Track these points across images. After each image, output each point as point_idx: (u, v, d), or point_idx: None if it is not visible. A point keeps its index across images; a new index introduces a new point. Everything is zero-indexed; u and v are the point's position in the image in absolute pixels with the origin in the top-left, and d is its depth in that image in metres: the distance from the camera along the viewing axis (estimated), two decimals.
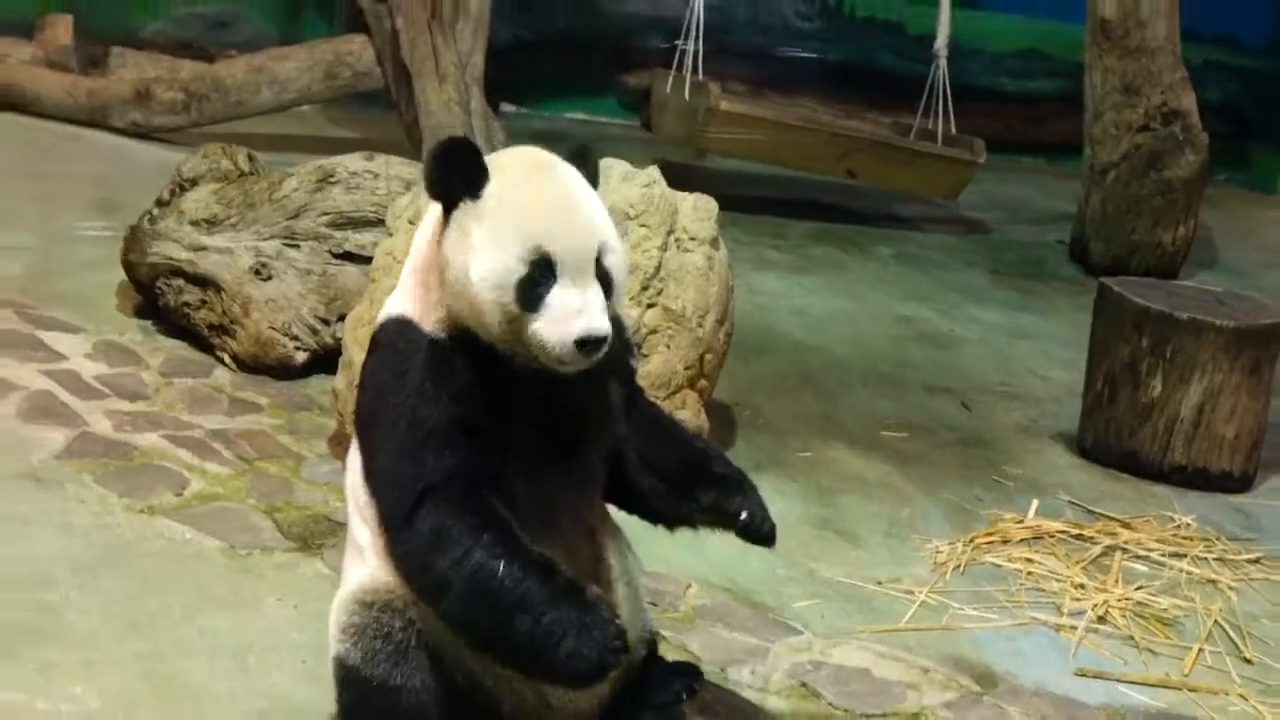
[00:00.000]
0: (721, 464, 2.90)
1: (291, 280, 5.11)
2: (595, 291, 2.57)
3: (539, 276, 2.55)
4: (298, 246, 5.19)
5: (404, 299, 2.73)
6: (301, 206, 5.25)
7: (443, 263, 2.62)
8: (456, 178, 2.60)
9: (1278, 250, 8.97)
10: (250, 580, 3.70)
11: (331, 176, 5.29)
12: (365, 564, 2.76)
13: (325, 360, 4.96)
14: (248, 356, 5.03)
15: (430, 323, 2.66)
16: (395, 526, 2.63)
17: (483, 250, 2.56)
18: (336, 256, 5.20)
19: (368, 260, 4.86)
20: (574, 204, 2.63)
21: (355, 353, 4.39)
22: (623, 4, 10.63)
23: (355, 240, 5.20)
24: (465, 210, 2.60)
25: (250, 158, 5.70)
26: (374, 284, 4.51)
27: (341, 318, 4.89)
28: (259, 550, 3.86)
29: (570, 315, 2.54)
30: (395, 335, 2.71)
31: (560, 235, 2.57)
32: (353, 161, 5.35)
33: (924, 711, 3.49)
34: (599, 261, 2.59)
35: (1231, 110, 10.72)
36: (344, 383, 4.41)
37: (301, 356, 5.03)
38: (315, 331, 5.05)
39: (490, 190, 2.60)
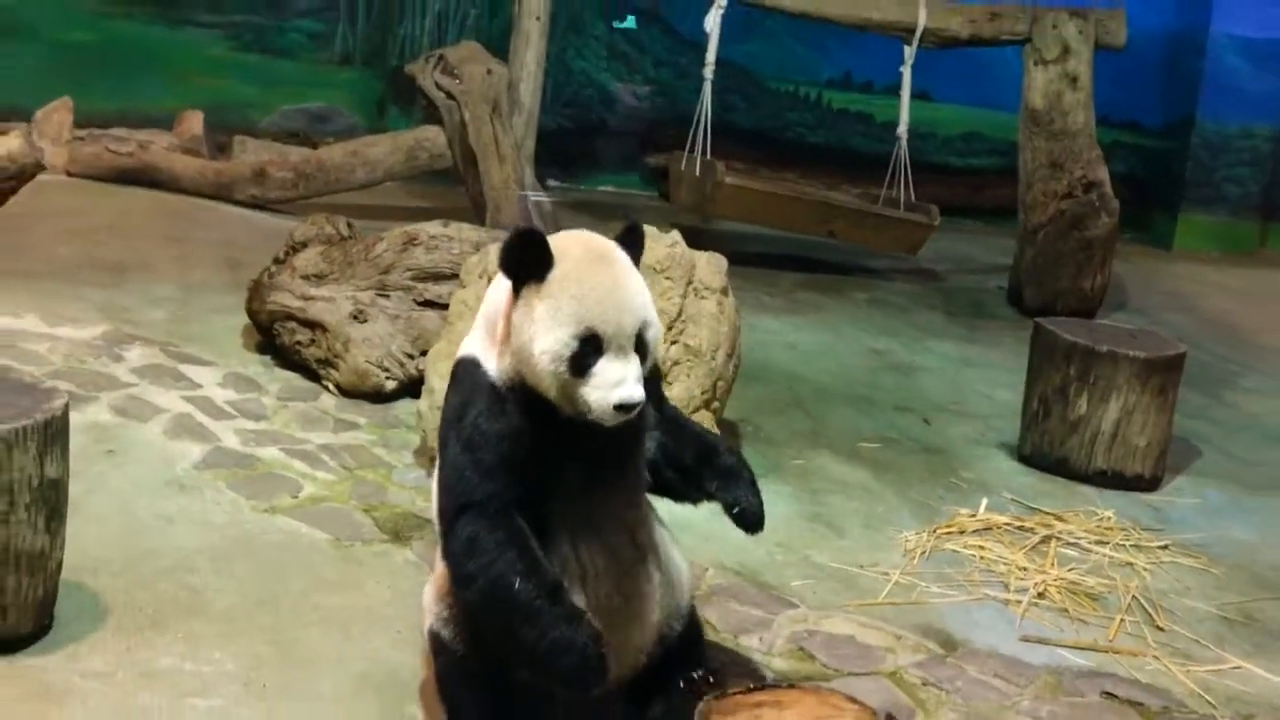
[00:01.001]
0: (728, 457, 2.89)
1: (383, 323, 5.12)
2: (634, 363, 2.58)
3: (588, 351, 2.55)
4: (388, 296, 5.20)
5: (475, 344, 2.74)
6: (391, 264, 5.26)
7: (511, 329, 2.62)
8: (524, 264, 2.59)
9: (1174, 295, 8.92)
10: (353, 566, 3.71)
11: (415, 240, 5.30)
12: None
13: (411, 388, 4.96)
14: (348, 385, 5.03)
15: (493, 369, 2.66)
16: (442, 526, 2.67)
17: (544, 326, 2.56)
18: (419, 304, 5.20)
19: (444, 307, 4.87)
20: (622, 289, 2.61)
21: (435, 381, 4.39)
22: (644, 99, 10.65)
23: (434, 291, 5.20)
24: (532, 289, 2.59)
25: (349, 224, 5.72)
26: (450, 326, 4.52)
27: (424, 353, 4.89)
28: (360, 542, 3.86)
29: (611, 384, 2.55)
30: (465, 373, 2.72)
31: (608, 318, 2.56)
32: (431, 227, 5.37)
33: (899, 670, 3.47)
34: (639, 336, 2.60)
35: (1135, 181, 10.67)
36: (426, 405, 4.41)
37: (391, 385, 5.03)
38: (402, 364, 5.05)
39: (554, 275, 2.59)
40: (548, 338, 2.55)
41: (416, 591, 3.56)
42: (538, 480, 2.63)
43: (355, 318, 5.11)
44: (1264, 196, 11.00)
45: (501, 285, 2.70)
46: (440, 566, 2.79)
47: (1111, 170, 7.97)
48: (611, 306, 2.58)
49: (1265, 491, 5.22)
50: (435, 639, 2.84)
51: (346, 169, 8.32)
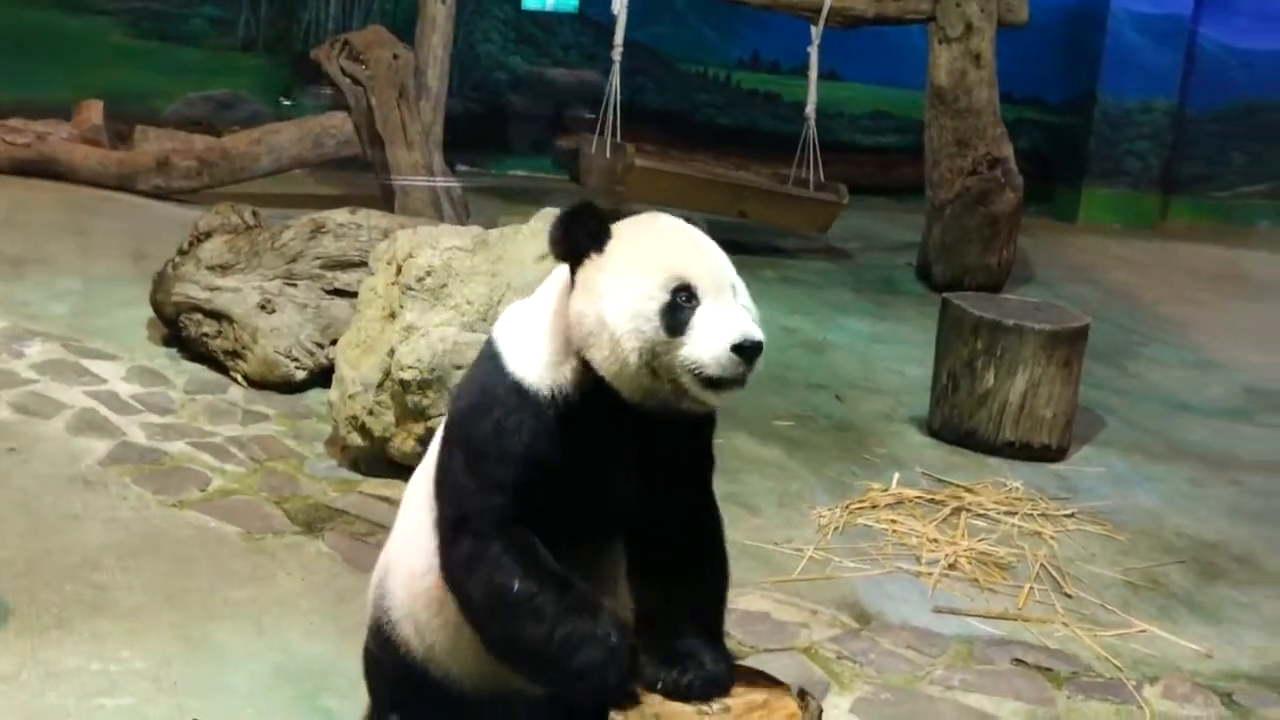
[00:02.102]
0: (704, 636, 2.33)
1: (291, 313, 5.05)
2: (741, 308, 2.20)
3: (681, 302, 2.16)
4: (296, 285, 5.14)
5: (517, 348, 2.32)
6: (298, 253, 5.19)
7: (573, 321, 2.23)
8: (583, 236, 2.23)
9: (1078, 268, 9.08)
10: (264, 559, 3.66)
11: (322, 228, 5.24)
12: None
13: (321, 377, 4.90)
14: (256, 376, 4.97)
15: (533, 373, 2.27)
16: (440, 531, 2.35)
17: (615, 290, 2.18)
18: (328, 293, 5.14)
19: (354, 295, 4.81)
20: (701, 240, 2.28)
21: (346, 370, 4.35)
22: (554, 81, 10.61)
23: (343, 279, 5.15)
24: (591, 265, 2.22)
25: (254, 214, 5.63)
26: (359, 314, 4.47)
27: (333, 342, 4.83)
28: (270, 534, 3.81)
29: (718, 329, 2.14)
30: (487, 373, 2.34)
31: (697, 262, 2.21)
32: (339, 215, 5.31)
33: (814, 645, 3.50)
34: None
35: (1039, 156, 10.83)
36: (337, 395, 4.36)
37: (301, 375, 4.98)
38: (312, 354, 4.99)
39: (613, 244, 2.24)
40: (624, 297, 2.16)
41: (330, 583, 3.54)
42: (549, 510, 2.27)
43: (263, 308, 5.04)
44: (1164, 170, 11.23)
45: (552, 288, 2.35)
46: (417, 567, 2.47)
47: (1016, 146, 8.09)
48: (697, 253, 2.24)
49: (1167, 459, 5.34)
50: (389, 641, 2.53)
51: (252, 157, 8.19)
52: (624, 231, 2.26)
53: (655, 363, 2.16)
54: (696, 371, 2.15)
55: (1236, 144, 11.49)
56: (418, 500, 2.48)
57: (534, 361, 2.28)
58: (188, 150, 8.25)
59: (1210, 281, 9.16)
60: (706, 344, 2.14)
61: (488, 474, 2.26)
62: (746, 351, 2.14)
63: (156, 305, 5.28)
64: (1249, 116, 11.43)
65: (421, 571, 2.42)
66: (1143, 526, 4.56)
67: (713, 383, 2.15)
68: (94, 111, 8.55)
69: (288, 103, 9.78)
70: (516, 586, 2.21)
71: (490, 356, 2.35)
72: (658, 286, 2.16)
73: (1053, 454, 5.14)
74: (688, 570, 2.36)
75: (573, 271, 2.26)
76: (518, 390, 2.27)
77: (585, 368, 2.22)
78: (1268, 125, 11.46)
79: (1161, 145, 11.15)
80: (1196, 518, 4.71)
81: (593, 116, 8.24)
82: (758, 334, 2.15)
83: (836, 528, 4.27)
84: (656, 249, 2.22)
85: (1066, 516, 4.56)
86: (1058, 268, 8.92)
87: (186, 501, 3.95)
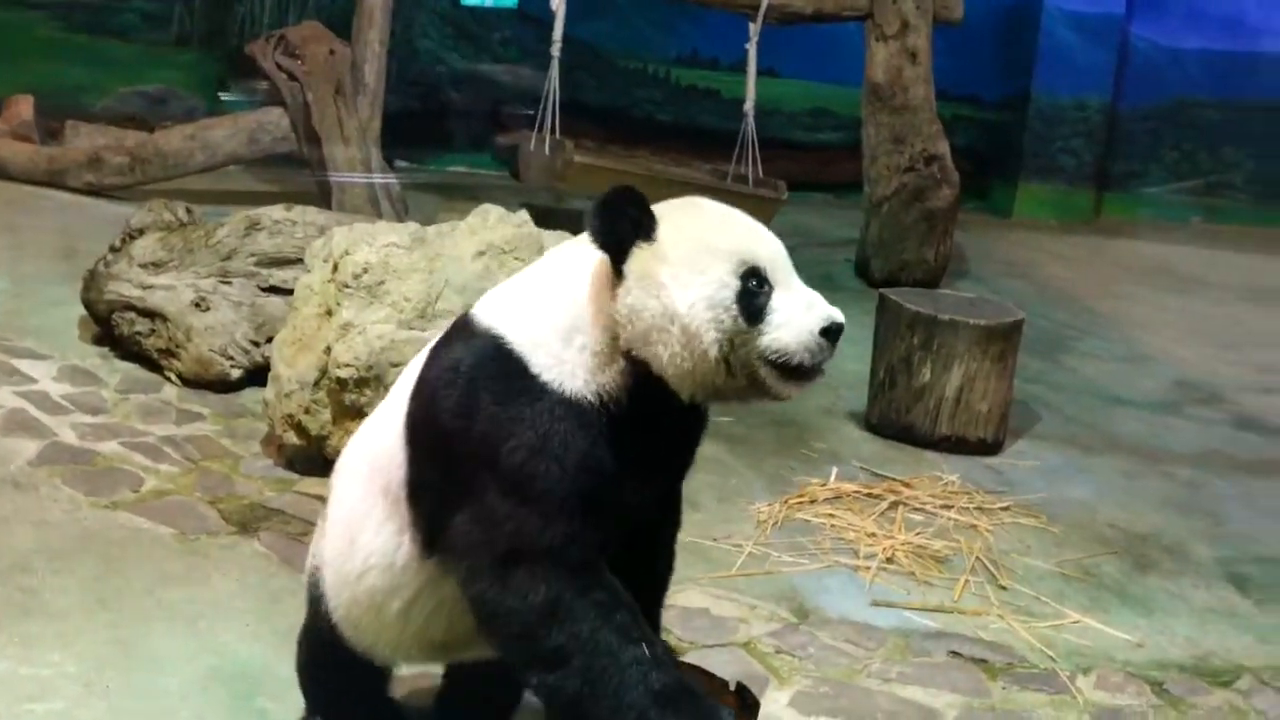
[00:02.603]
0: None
1: (226, 310, 5.00)
2: (812, 290, 2.14)
3: (754, 288, 2.07)
4: (230, 283, 5.09)
5: (543, 350, 2.13)
6: (233, 250, 5.15)
7: (625, 317, 2.09)
8: (628, 224, 2.09)
9: (1014, 263, 9.18)
10: (199, 560, 3.62)
11: (257, 224, 5.20)
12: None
13: (257, 375, 4.85)
14: (191, 374, 4.91)
15: (579, 384, 2.10)
16: (479, 568, 2.11)
17: (682, 281, 2.05)
18: (263, 290, 5.10)
19: (289, 292, 4.77)
20: (755, 222, 2.19)
21: (281, 369, 4.31)
22: (493, 78, 10.57)
23: (279, 276, 5.10)
24: (642, 255, 2.09)
25: (188, 210, 5.57)
26: (295, 311, 4.43)
27: (269, 340, 4.79)
28: (205, 535, 3.77)
29: (799, 311, 2.08)
30: (504, 374, 2.13)
31: (762, 245, 2.13)
32: (275, 212, 5.26)
33: (753, 640, 3.52)
34: None
35: (975, 153, 10.93)
36: (273, 393, 4.33)
37: (236, 373, 4.93)
38: (247, 352, 4.95)
39: (664, 231, 2.11)
40: (695, 286, 2.04)
41: (265, 584, 3.51)
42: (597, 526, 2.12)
43: (197, 306, 4.99)
44: (1097, 167, 11.38)
45: (575, 276, 2.18)
46: (352, 568, 2.38)
47: (952, 143, 8.16)
48: (757, 234, 2.14)
49: (1100, 451, 5.41)
50: (325, 639, 2.49)
51: (185, 153, 8.09)
52: (672, 218, 2.14)
53: (732, 355, 2.06)
54: (780, 360, 2.07)
55: (1168, 141, 11.67)
56: (350, 497, 2.42)
57: (571, 365, 2.11)
58: (120, 146, 8.14)
59: (1142, 276, 9.30)
60: (790, 330, 2.06)
61: (541, 498, 2.05)
62: (833, 334, 2.08)
63: (88, 304, 5.21)
64: (1180, 114, 11.61)
65: (358, 573, 2.38)
66: (1076, 519, 4.62)
67: (795, 372, 2.08)
68: (24, 107, 8.41)
69: (225, 98, 9.68)
70: (627, 652, 2.04)
71: (502, 360, 2.14)
72: (729, 273, 2.06)
73: (988, 448, 5.19)
74: (638, 567, 2.31)
75: (616, 263, 2.11)
76: (560, 399, 2.09)
77: (633, 367, 2.10)
78: (1197, 123, 11.65)
79: (1095, 142, 11.30)
80: (1129, 509, 4.78)
81: (532, 113, 8.20)
82: (839, 315, 2.09)
83: (775, 523, 4.29)
84: (718, 233, 2.11)
85: (1002, 509, 4.61)
86: (993, 263, 9.01)
87: (119, 502, 3.90)
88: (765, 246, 2.13)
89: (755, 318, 2.06)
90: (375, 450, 2.37)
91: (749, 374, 2.08)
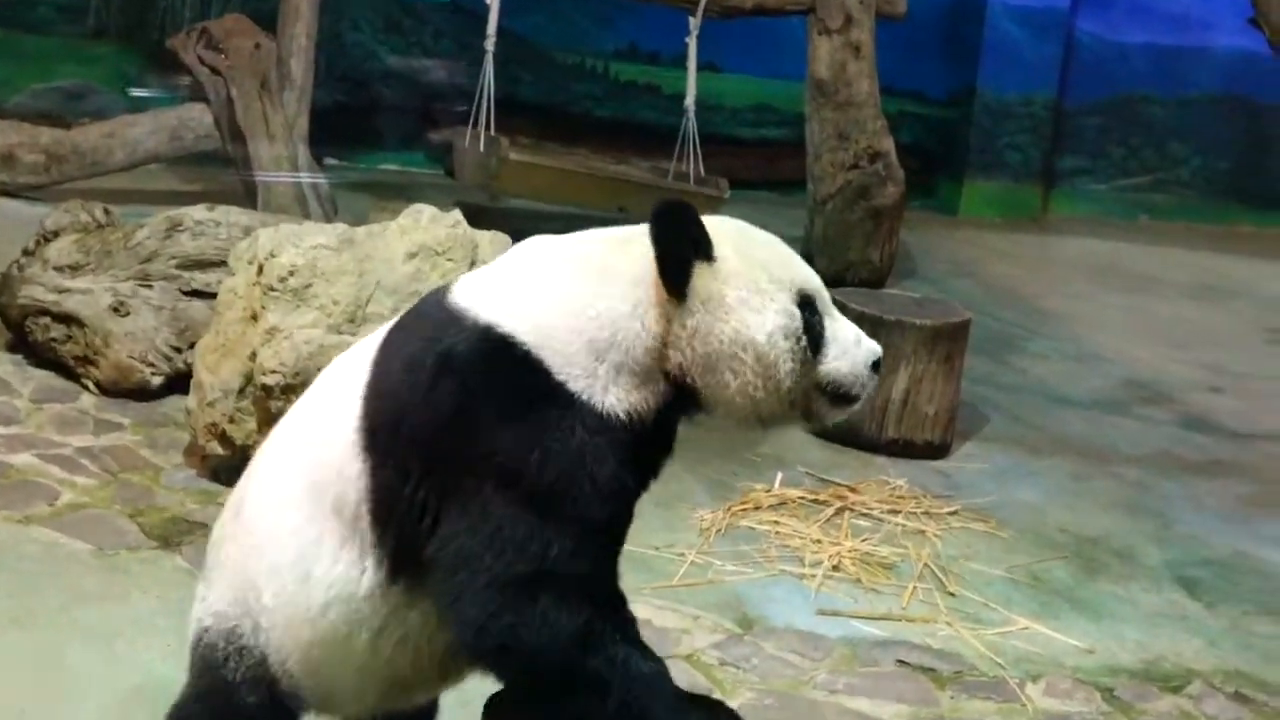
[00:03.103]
0: None
1: (146, 315, 4.94)
2: (850, 322, 2.21)
3: (812, 318, 2.12)
4: (151, 286, 5.02)
5: (571, 360, 2.05)
6: (153, 252, 5.08)
7: (687, 340, 2.07)
8: (690, 242, 2.08)
9: (961, 262, 9.26)
10: (118, 576, 3.57)
11: (179, 225, 5.14)
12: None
13: (179, 383, 4.79)
14: (109, 382, 4.85)
15: (612, 399, 2.04)
16: (483, 591, 2.01)
17: (753, 307, 2.07)
18: (185, 294, 5.04)
19: (213, 296, 4.72)
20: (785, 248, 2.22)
21: (204, 375, 4.26)
22: (424, 74, 10.51)
23: (201, 279, 5.05)
24: (704, 276, 2.08)
25: (106, 211, 5.49)
26: (219, 316, 4.39)
27: (192, 345, 4.74)
28: (125, 550, 3.72)
29: (852, 343, 2.16)
30: (520, 379, 2.05)
31: (809, 273, 2.17)
32: (197, 212, 5.20)
33: (696, 652, 3.52)
34: None
35: (921, 150, 11.01)
36: (195, 402, 4.28)
37: (157, 380, 4.87)
38: (169, 358, 4.89)
39: (723, 251, 2.11)
40: (770, 315, 2.07)
41: (189, 600, 3.44)
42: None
43: (116, 310, 4.92)
44: (1044, 163, 11.50)
45: (570, 271, 2.12)
46: (311, 603, 2.20)
47: (897, 140, 8.21)
48: (800, 260, 2.19)
49: (1050, 454, 5.47)
50: (261, 692, 2.27)
51: (104, 151, 7.97)
52: (727, 237, 2.13)
53: (802, 381, 2.11)
54: (837, 390, 2.14)
55: (1114, 137, 11.81)
56: (286, 526, 2.21)
57: (604, 380, 2.06)
58: (34, 144, 7.99)
59: (1090, 275, 9.41)
60: (847, 361, 2.13)
61: (574, 520, 2.00)
62: (878, 366, 2.17)
63: (0, 309, 5.12)
64: (1126, 110, 11.76)
65: (319, 609, 2.18)
66: (1025, 523, 4.67)
67: (845, 399, 2.16)
68: None
69: (145, 94, 9.57)
70: (649, 667, 2.06)
71: (516, 363, 2.05)
72: (791, 301, 2.10)
73: (936, 451, 5.23)
74: None
75: (677, 283, 2.07)
76: (592, 413, 2.03)
77: (673, 390, 2.09)
78: (1144, 118, 11.81)
79: (1041, 138, 11.42)
80: (1078, 512, 4.84)
81: (466, 109, 8.17)
82: (880, 349, 2.20)
83: (718, 530, 4.30)
84: (776, 259, 2.14)
85: (950, 514, 4.65)
86: (940, 262, 9.09)
87: (34, 517, 3.84)
88: (814, 276, 2.18)
89: (818, 348, 2.12)
90: (312, 465, 2.20)
91: (805, 404, 2.15)
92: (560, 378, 2.04)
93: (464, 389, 2.05)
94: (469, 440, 2.03)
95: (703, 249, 2.08)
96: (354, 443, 2.13)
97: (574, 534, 2.02)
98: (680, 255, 2.07)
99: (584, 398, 2.04)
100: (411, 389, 2.08)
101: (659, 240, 2.07)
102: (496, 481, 2.02)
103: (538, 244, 2.23)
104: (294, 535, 2.20)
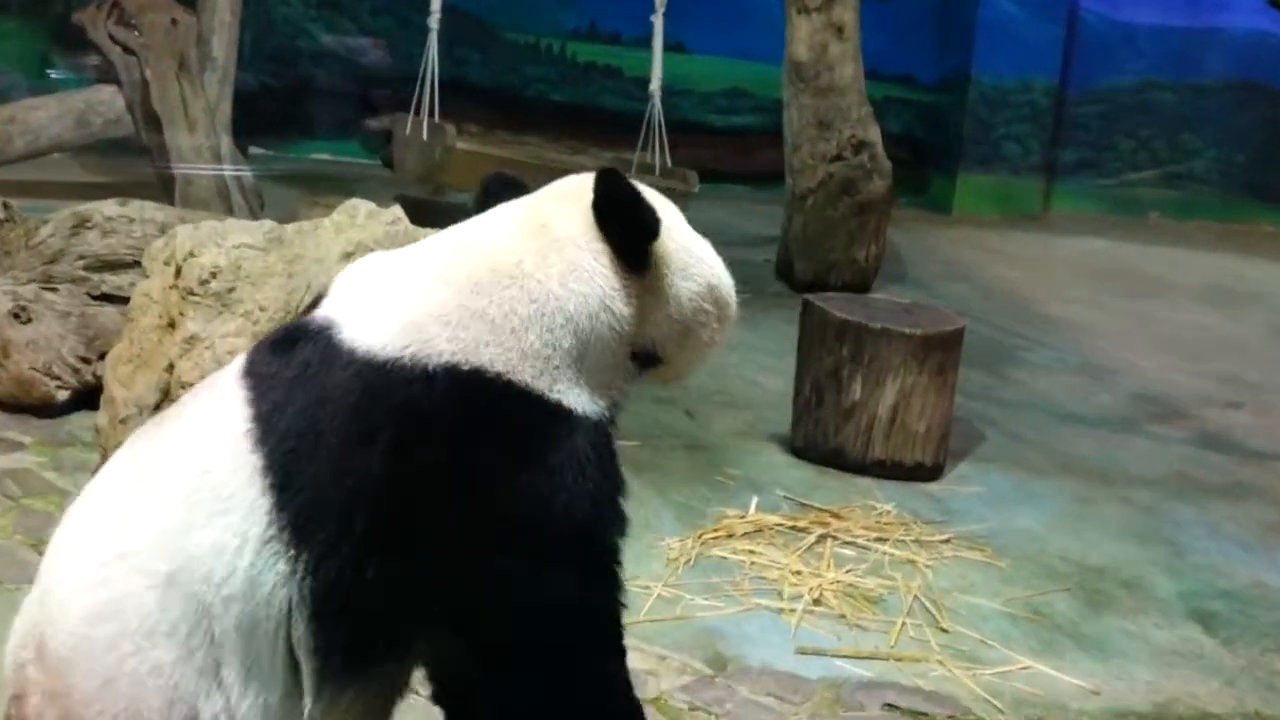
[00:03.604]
0: None
1: (51, 322, 4.92)
2: None
3: None
4: (56, 290, 5.00)
5: (531, 370, 2.03)
6: (58, 251, 5.07)
7: (672, 305, 2.20)
8: (648, 218, 2.17)
9: (954, 264, 9.32)
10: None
11: (87, 222, 5.12)
12: None
13: (87, 397, 4.77)
14: (9, 397, 4.82)
15: (587, 402, 2.08)
16: (579, 674, 2.07)
17: (698, 255, 2.26)
18: (95, 298, 5.03)
19: (125, 301, 4.70)
20: None
21: (116, 389, 4.23)
22: (361, 54, 10.50)
23: (113, 282, 5.04)
24: (662, 241, 2.20)
25: (5, 205, 5.46)
26: (132, 323, 4.36)
27: (102, 356, 4.72)
28: (27, 585, 3.68)
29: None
30: (507, 410, 2.01)
31: None
32: (108, 207, 5.19)
33: (663, 695, 3.52)
34: None
35: (910, 140, 11.11)
36: (106, 418, 4.25)
37: (63, 395, 4.84)
38: (76, 370, 4.87)
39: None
40: (710, 257, 2.28)
41: None
42: None
43: (16, 317, 4.90)
44: (1045, 155, 11.60)
45: (556, 274, 2.10)
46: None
47: (884, 129, 8.27)
48: None
49: (1052, 475, 5.51)
50: None
51: (3, 138, 7.94)
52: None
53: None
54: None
55: (1123, 127, 11.92)
56: (150, 659, 1.95)
57: (590, 383, 2.10)
58: None
59: (1097, 278, 9.49)
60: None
61: (605, 554, 2.07)
62: None
63: None
64: (1135, 97, 11.87)
65: None
66: (1025, 551, 4.69)
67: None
68: None
69: (49, 74, 9.52)
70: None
71: (507, 401, 2.01)
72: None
73: (927, 472, 5.26)
74: None
75: (636, 257, 2.15)
76: (592, 427, 2.07)
77: (635, 365, 2.19)
78: (1154, 106, 11.92)
79: (1042, 128, 11.52)
80: (1083, 540, 4.87)
81: (407, 93, 8.18)
82: None
83: (688, 561, 4.30)
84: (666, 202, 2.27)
85: (942, 542, 4.66)
86: (932, 264, 9.14)
87: None
88: None
89: None
90: (184, 580, 1.96)
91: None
92: (555, 396, 2.04)
93: (450, 443, 1.97)
94: (465, 503, 1.97)
95: (655, 218, 2.16)
96: (269, 538, 1.96)
97: (608, 570, 2.07)
98: (645, 234, 2.15)
99: (580, 411, 2.05)
100: (364, 458, 1.96)
101: (616, 223, 2.12)
102: (511, 541, 1.99)
103: (418, 256, 2.17)
104: (158, 679, 1.96)
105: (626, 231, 2.13)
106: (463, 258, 2.13)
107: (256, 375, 2.05)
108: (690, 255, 2.23)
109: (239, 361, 2.12)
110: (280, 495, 1.96)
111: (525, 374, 2.02)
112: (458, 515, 1.97)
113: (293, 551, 1.95)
